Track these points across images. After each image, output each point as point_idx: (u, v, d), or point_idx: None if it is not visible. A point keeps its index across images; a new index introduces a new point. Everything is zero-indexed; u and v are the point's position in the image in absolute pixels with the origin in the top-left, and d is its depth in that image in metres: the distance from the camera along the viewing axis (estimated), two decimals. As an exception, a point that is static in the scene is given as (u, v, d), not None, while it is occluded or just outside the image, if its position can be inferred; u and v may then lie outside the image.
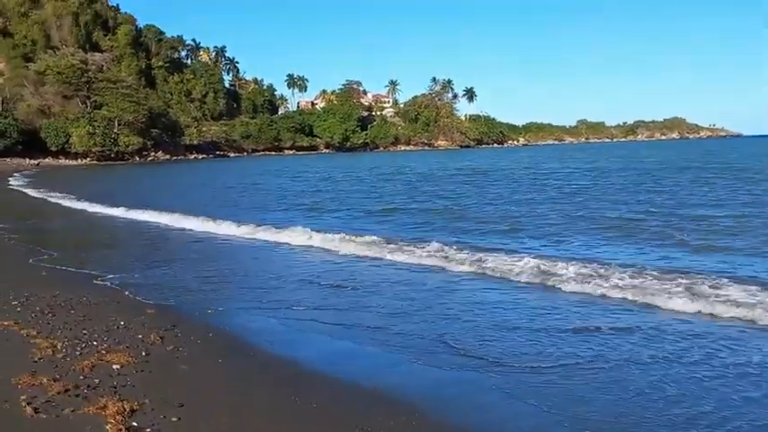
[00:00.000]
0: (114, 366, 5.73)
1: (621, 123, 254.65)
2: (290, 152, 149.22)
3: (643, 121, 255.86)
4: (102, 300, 8.77)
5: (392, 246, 13.34)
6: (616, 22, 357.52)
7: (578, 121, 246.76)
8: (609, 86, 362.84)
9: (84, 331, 6.93)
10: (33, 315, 7.64)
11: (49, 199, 30.07)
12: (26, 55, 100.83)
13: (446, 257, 11.90)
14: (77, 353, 6.09)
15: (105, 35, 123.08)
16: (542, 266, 10.41)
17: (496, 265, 10.92)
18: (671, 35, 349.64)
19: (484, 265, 11.00)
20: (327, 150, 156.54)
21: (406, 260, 12.16)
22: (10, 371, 5.45)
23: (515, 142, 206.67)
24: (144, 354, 6.19)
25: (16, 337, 6.59)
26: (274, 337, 7.25)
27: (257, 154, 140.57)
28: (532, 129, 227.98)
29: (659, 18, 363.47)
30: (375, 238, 14.23)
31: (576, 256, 11.61)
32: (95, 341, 6.55)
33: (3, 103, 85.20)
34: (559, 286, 9.38)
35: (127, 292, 9.36)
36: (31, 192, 35.31)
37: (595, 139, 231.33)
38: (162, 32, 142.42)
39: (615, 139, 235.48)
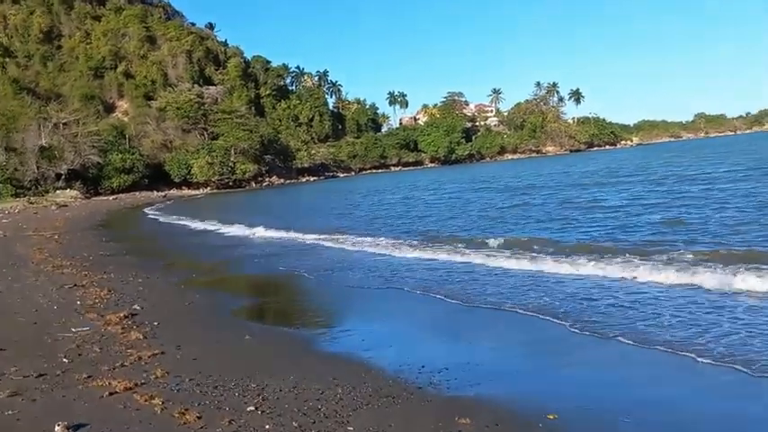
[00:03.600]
0: None
1: (744, 114, 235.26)
2: (396, 168, 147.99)
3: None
4: (367, 393, 5.88)
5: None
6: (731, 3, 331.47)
7: (696, 116, 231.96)
8: (727, 75, 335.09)
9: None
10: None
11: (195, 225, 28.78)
12: (147, 94, 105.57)
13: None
14: None
15: (216, 69, 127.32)
16: None
17: None
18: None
19: None
20: (433, 164, 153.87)
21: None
22: None
23: (629, 142, 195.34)
24: None
25: None
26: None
27: (365, 172, 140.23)
28: (645, 127, 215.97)
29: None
30: None
31: None
32: None
33: (129, 141, 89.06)
34: None
35: (389, 372, 6.42)
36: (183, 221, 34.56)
37: (716, 134, 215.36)
38: (268, 62, 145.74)
39: (739, 132, 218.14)
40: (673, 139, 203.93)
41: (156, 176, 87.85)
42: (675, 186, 29.47)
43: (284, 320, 9.91)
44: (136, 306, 10.87)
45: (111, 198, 71.92)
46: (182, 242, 25.31)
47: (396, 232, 21.49)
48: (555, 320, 8.43)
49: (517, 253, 14.21)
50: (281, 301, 11.70)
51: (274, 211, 39.77)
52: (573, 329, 7.95)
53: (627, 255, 12.67)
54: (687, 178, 33.55)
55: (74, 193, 68.60)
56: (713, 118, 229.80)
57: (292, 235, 22.68)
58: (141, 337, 8.38)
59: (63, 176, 71.78)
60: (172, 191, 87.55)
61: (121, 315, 9.93)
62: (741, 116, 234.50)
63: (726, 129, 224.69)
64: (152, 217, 43.24)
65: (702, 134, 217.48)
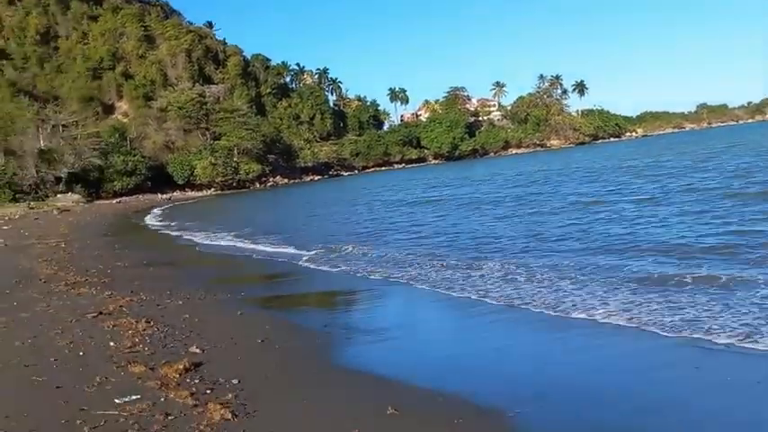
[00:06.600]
0: None
1: (746, 104, 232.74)
2: (400, 166, 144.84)
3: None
4: None
5: None
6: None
7: (698, 106, 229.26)
8: (728, 65, 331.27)
9: None
10: None
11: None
12: (146, 94, 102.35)
13: None
14: None
15: (216, 68, 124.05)
16: None
17: None
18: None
19: None
20: (436, 161, 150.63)
21: None
22: None
23: (633, 134, 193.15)
24: None
25: None
26: None
27: (368, 170, 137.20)
28: (648, 118, 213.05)
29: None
30: None
31: None
32: None
33: (130, 143, 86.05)
34: None
35: None
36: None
37: (719, 123, 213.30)
38: (268, 60, 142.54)
39: (741, 121, 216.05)
40: (676, 130, 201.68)
41: (159, 178, 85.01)
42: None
43: (426, 366, 6.96)
44: (194, 348, 7.96)
45: (114, 201, 69.11)
46: (208, 252, 22.17)
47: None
48: None
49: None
50: (399, 332, 8.71)
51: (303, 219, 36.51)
52: None
53: None
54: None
55: (75, 196, 65.62)
56: (715, 108, 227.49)
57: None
58: (229, 416, 5.48)
59: (63, 180, 68.99)
60: (176, 193, 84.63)
61: (180, 367, 7.04)
62: (743, 106, 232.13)
63: (728, 119, 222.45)
64: (162, 221, 40.26)
65: (705, 124, 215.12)
